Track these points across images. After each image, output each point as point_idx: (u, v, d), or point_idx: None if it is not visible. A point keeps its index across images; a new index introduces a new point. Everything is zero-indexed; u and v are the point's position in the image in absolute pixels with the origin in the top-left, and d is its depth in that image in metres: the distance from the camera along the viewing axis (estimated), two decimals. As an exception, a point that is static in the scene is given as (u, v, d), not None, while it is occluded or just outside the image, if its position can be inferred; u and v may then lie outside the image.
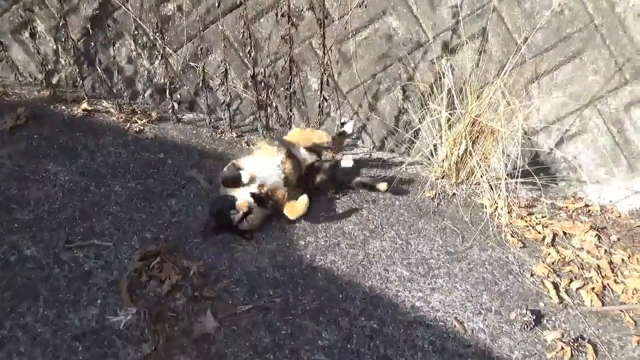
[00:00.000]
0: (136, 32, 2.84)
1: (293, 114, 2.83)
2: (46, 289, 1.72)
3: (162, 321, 1.68)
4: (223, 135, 2.81)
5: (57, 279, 1.76)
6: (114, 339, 1.59)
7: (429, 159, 2.77)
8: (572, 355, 1.80)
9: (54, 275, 1.77)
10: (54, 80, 3.02)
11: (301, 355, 1.66)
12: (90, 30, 2.85)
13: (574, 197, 2.75)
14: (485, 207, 2.52)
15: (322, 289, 1.93)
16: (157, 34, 2.68)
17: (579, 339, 1.85)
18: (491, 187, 2.51)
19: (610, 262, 2.25)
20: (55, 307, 1.66)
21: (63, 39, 2.85)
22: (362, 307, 1.88)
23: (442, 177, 2.73)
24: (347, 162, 2.48)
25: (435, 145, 2.72)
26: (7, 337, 1.54)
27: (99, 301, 1.71)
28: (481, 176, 2.52)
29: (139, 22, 2.81)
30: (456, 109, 2.54)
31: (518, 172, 2.48)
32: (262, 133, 2.88)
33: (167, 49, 2.84)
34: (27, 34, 2.85)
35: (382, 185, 2.49)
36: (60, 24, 2.69)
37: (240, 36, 2.60)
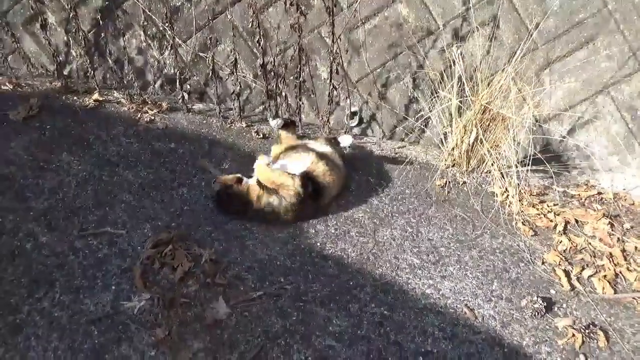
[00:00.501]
0: (146, 23, 2.85)
1: (302, 103, 2.83)
2: (62, 275, 1.75)
3: (175, 307, 1.70)
4: (233, 125, 2.82)
5: (72, 266, 1.79)
6: (128, 324, 1.62)
7: (439, 147, 2.76)
8: (583, 341, 1.79)
9: (69, 262, 1.80)
10: (66, 72, 3.05)
11: (312, 341, 1.68)
12: (100, 22, 2.88)
13: (586, 185, 2.73)
14: (496, 195, 2.50)
15: (332, 277, 1.94)
16: (167, 25, 2.68)
17: (591, 325, 1.85)
18: (502, 175, 2.50)
19: (623, 250, 2.23)
20: (71, 293, 1.69)
21: (74, 31, 2.87)
22: (373, 294, 1.89)
23: (453, 166, 2.71)
24: (346, 140, 2.53)
25: (445, 134, 2.70)
26: (25, 321, 1.57)
27: (113, 287, 1.74)
28: (492, 164, 2.51)
29: (148, 12, 2.82)
30: (467, 96, 2.52)
31: (529, 160, 2.46)
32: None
33: (177, 39, 2.85)
34: (38, 26, 2.87)
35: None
36: (71, 16, 2.71)
37: (250, 25, 2.59)
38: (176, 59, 2.79)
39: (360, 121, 3.01)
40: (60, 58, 3.01)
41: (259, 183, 2.13)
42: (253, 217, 2.12)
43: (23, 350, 1.49)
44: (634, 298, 2.00)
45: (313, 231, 2.16)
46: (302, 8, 2.50)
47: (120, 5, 2.91)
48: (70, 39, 3.02)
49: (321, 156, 2.26)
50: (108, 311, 1.65)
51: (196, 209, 2.16)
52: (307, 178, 2.14)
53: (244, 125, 2.83)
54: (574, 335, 1.80)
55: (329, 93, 2.69)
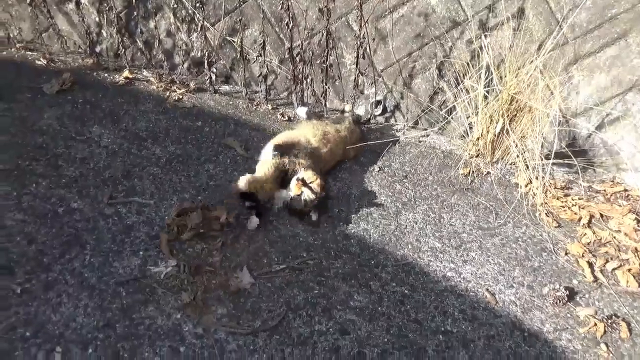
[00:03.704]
0: (176, 6, 2.90)
1: (328, 87, 2.85)
2: (92, 239, 1.79)
3: (201, 274, 1.74)
4: (259, 107, 2.86)
5: (101, 231, 1.84)
6: (155, 287, 1.66)
7: (463, 137, 2.75)
8: (605, 331, 1.78)
9: (99, 228, 1.85)
10: (97, 50, 3.11)
11: (333, 313, 1.70)
12: (132, 2, 2.93)
13: (612, 181, 2.69)
14: (520, 186, 2.49)
15: (354, 255, 1.96)
16: (197, 8, 2.72)
17: (613, 316, 1.83)
18: (527, 167, 2.48)
19: (649, 246, 2.20)
20: (101, 256, 1.73)
21: (105, 11, 2.94)
22: (394, 273, 1.90)
23: (477, 156, 2.71)
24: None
25: (470, 125, 2.70)
26: (57, 279, 1.62)
27: (140, 253, 1.78)
28: (517, 156, 2.49)
29: (180, -5, 2.86)
30: (494, 87, 2.51)
31: (552, 153, 2.44)
32: (297, 106, 2.91)
33: (205, 22, 2.90)
34: (71, 6, 2.94)
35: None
36: (105, -6, 2.77)
37: (279, 9, 2.62)
38: (204, 42, 2.83)
39: (384, 110, 3.02)
40: (92, 37, 3.08)
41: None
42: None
43: (55, 305, 1.53)
44: (658, 292, 1.97)
45: (336, 210, 2.18)
46: (332, -8, 2.51)
47: (153, -14, 2.97)
48: (102, 18, 3.08)
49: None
50: (136, 275, 1.69)
51: (222, 184, 2.19)
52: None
53: (270, 107, 2.86)
54: (595, 324, 1.79)
55: (355, 78, 2.70)
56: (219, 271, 1.77)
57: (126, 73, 2.84)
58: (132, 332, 1.51)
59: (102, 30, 3.13)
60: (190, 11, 2.94)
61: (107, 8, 2.85)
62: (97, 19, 3.10)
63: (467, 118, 2.67)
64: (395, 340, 1.65)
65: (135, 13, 2.98)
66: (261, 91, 2.87)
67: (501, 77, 2.51)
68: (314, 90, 2.94)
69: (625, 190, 2.60)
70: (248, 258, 1.85)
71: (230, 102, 2.85)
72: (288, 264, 1.85)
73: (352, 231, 2.07)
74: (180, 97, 2.77)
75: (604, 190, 2.58)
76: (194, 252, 1.82)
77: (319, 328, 1.64)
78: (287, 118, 2.80)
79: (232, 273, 1.77)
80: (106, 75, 2.84)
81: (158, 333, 1.52)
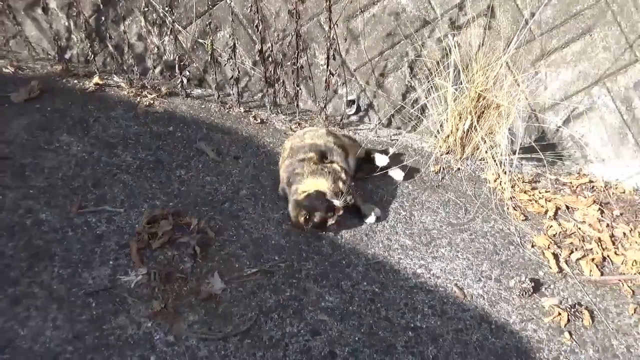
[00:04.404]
0: (146, 9, 2.88)
1: (300, 89, 2.87)
2: (60, 250, 1.79)
3: (172, 281, 1.75)
4: (231, 110, 2.86)
5: (70, 242, 1.83)
6: (126, 297, 1.66)
7: (435, 135, 2.79)
8: (568, 320, 1.84)
9: (67, 238, 1.84)
10: (67, 56, 3.08)
11: (305, 315, 1.72)
12: (101, 7, 2.90)
13: (578, 173, 2.77)
14: (489, 181, 2.54)
15: (325, 256, 1.98)
16: (167, 11, 2.71)
17: (576, 305, 1.89)
18: (495, 162, 2.53)
19: (612, 235, 2.27)
20: (70, 267, 1.73)
21: (74, 16, 2.90)
22: (365, 272, 1.93)
23: (447, 153, 2.75)
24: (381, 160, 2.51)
25: (441, 123, 2.74)
26: (25, 292, 1.61)
27: (110, 262, 1.78)
28: (486, 152, 2.55)
29: (149, -2, 2.84)
30: (462, 84, 2.55)
31: (520, 148, 2.50)
32: (270, 108, 2.93)
33: (177, 25, 2.88)
34: (39, 11, 2.89)
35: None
36: (72, 0, 2.74)
37: (249, 11, 2.62)
38: (176, 45, 2.82)
39: (358, 109, 3.04)
40: (61, 43, 3.04)
41: None
42: None
43: (23, 319, 1.53)
44: (620, 280, 2.04)
45: (308, 213, 2.20)
46: (301, -5, 2.53)
47: (121, -10, 2.94)
48: (71, 23, 3.04)
49: None
50: (106, 285, 1.70)
51: (193, 190, 2.20)
52: None
53: (242, 110, 2.87)
54: (559, 314, 1.85)
55: (326, 79, 2.72)
56: (191, 278, 1.78)
57: (96, 79, 2.82)
58: (102, 343, 1.52)
59: (72, 36, 3.10)
60: (161, 14, 2.92)
61: (76, 12, 2.82)
62: (66, 24, 3.06)
63: (438, 116, 2.71)
64: (366, 338, 1.69)
65: (104, 17, 2.95)
66: (233, 94, 2.88)
67: (467, 75, 2.56)
68: (286, 91, 2.95)
69: (591, 181, 2.67)
70: (219, 263, 1.86)
71: (203, 106, 2.85)
72: (260, 268, 1.87)
73: (324, 232, 2.10)
74: (152, 102, 2.76)
75: (570, 183, 2.64)
76: (165, 259, 1.83)
77: (290, 330, 1.67)
78: (259, 121, 2.81)
79: (203, 279, 1.78)
80: (76, 81, 2.81)
81: (128, 343, 1.53)
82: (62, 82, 2.78)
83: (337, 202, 1.98)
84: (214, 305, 1.71)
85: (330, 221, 2.00)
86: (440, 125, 2.74)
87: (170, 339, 1.57)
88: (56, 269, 1.72)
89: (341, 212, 2.00)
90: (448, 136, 2.69)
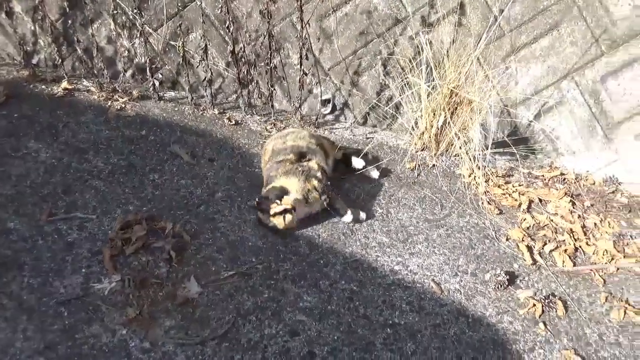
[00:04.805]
0: (115, 12, 2.82)
1: (275, 90, 2.85)
2: (30, 259, 1.74)
3: (147, 287, 1.72)
4: (205, 112, 2.83)
5: (41, 250, 1.78)
6: (99, 305, 1.63)
7: (410, 133, 2.82)
8: (543, 311, 1.87)
9: (37, 247, 1.80)
10: (34, 61, 3.00)
11: (283, 316, 1.71)
12: (68, 10, 2.84)
13: (550, 166, 2.83)
14: (464, 176, 2.58)
15: (303, 256, 1.98)
16: (136, 13, 2.67)
17: (550, 296, 1.93)
18: (469, 158, 2.57)
19: (583, 226, 2.33)
20: (40, 276, 1.69)
21: (40, 19, 2.83)
22: (342, 271, 1.93)
23: (423, 150, 2.78)
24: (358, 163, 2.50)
25: (416, 120, 2.76)
26: (-7, 304, 1.57)
27: (83, 270, 1.74)
28: (460, 147, 2.58)
29: (117, 1, 2.79)
30: (434, 81, 2.58)
31: (493, 143, 2.54)
32: (244, 110, 2.91)
33: (147, 28, 2.84)
34: (3, 15, 2.81)
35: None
36: (37, 3, 2.67)
37: (220, 12, 2.60)
38: (146, 47, 2.77)
39: (334, 108, 3.05)
40: (28, 47, 2.96)
41: None
42: None
43: (-9, 332, 1.49)
44: (591, 270, 2.09)
45: (285, 213, 2.19)
46: (272, -6, 2.52)
47: (88, -7, 2.88)
48: (37, 27, 2.97)
49: None
50: (78, 293, 1.66)
51: (168, 193, 2.17)
52: None
53: (217, 112, 2.84)
54: (534, 305, 1.88)
55: (300, 79, 2.72)
56: (166, 283, 1.76)
57: (65, 84, 2.75)
58: (75, 353, 1.48)
59: (39, 40, 3.02)
60: (130, 17, 2.87)
61: (42, 16, 2.74)
62: (32, 28, 2.98)
63: (412, 113, 2.74)
64: (345, 337, 1.69)
65: (71, 21, 2.89)
66: (207, 96, 2.85)
67: (440, 73, 2.58)
68: (261, 92, 2.93)
69: (562, 174, 2.73)
70: (196, 267, 1.84)
71: (176, 109, 2.81)
72: (237, 270, 1.86)
73: (301, 232, 2.09)
74: (123, 106, 2.71)
75: (543, 176, 2.70)
76: (140, 265, 1.80)
77: (269, 332, 1.66)
78: (234, 122, 2.78)
79: (179, 283, 1.76)
80: (44, 87, 2.74)
81: (103, 351, 1.50)
82: (29, 87, 2.71)
83: (286, 200, 1.98)
84: (191, 309, 1.68)
85: (287, 219, 1.99)
86: (415, 122, 2.76)
87: (146, 346, 1.54)
88: (26, 278, 1.67)
89: (293, 211, 1.99)
90: (423, 133, 2.71)
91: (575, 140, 2.85)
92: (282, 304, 1.76)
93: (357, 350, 1.65)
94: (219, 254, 1.92)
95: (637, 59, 2.65)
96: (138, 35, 2.85)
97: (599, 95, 2.78)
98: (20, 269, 1.70)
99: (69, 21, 2.87)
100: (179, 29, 2.69)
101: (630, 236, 2.31)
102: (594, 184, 2.70)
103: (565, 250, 2.16)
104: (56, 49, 2.82)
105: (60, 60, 2.83)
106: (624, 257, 2.18)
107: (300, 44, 2.59)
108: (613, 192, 2.63)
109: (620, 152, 2.78)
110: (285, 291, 1.81)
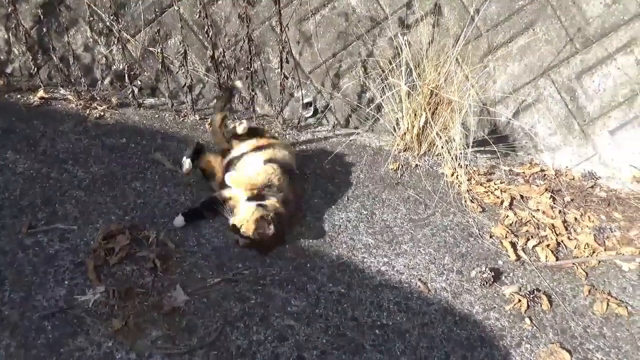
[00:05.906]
0: (91, 18, 2.79)
1: (256, 94, 2.85)
2: (11, 273, 1.70)
3: (132, 297, 1.69)
4: (186, 118, 2.81)
5: (21, 264, 1.75)
6: (84, 317, 1.60)
7: (392, 133, 2.84)
8: (528, 306, 1.90)
9: (18, 260, 1.76)
10: (8, 70, 2.94)
11: (271, 321, 1.71)
12: (43, 17, 2.78)
13: (530, 163, 2.87)
14: (446, 175, 2.60)
15: (290, 260, 1.97)
16: (113, 20, 2.63)
17: (535, 291, 1.96)
18: (451, 157, 2.60)
19: (564, 221, 2.37)
20: (22, 290, 1.65)
21: (14, 27, 2.77)
22: (330, 274, 1.93)
23: (405, 150, 2.80)
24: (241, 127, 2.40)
25: (397, 121, 2.78)
26: (-28, 321, 1.53)
27: (66, 282, 1.71)
28: (442, 147, 2.60)
29: (94, 7, 2.76)
30: (414, 82, 2.60)
31: (474, 141, 2.57)
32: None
33: (125, 34, 2.80)
34: (-25, 24, 2.75)
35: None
36: (10, 11, 2.61)
37: (198, 17, 2.58)
38: (124, 54, 2.74)
39: (316, 111, 3.05)
40: (1, 56, 2.90)
41: None
42: None
43: (-29, 350, 1.45)
44: (574, 264, 2.14)
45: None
46: (251, -1, 2.51)
47: (63, 0, 2.83)
48: (10, 36, 2.90)
49: None
50: (62, 306, 1.63)
51: (150, 202, 2.14)
52: None
53: (198, 118, 2.82)
54: (519, 300, 1.91)
55: (281, 83, 2.71)
56: (152, 292, 1.73)
57: (41, 93, 2.70)
58: (59, 367, 1.45)
59: (13, 49, 2.96)
60: (107, 23, 2.83)
61: (15, 24, 2.69)
62: (5, 36, 2.92)
63: (394, 114, 2.75)
64: (334, 340, 1.69)
65: (46, 28, 2.83)
66: (187, 102, 2.82)
67: (419, 73, 2.61)
68: (242, 97, 2.92)
69: (542, 170, 2.78)
70: (181, 275, 1.82)
71: (156, 116, 2.78)
72: (223, 277, 1.84)
73: (287, 236, 2.08)
74: (102, 114, 2.67)
75: (523, 173, 2.75)
76: (124, 275, 1.78)
77: (258, 338, 1.65)
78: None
79: (165, 293, 1.74)
80: (19, 96, 2.69)
81: (88, 364, 1.47)
82: (4, 97, 2.65)
83: None
84: (178, 318, 1.67)
85: None
86: (397, 123, 2.78)
87: (132, 357, 1.52)
88: (7, 293, 1.64)
89: None
90: (405, 133, 2.73)
91: (554, 136, 2.90)
92: (270, 309, 1.75)
93: (347, 352, 1.65)
94: (205, 261, 1.90)
95: (610, 56, 2.71)
96: (115, 42, 2.82)
97: (575, 92, 2.84)
98: (0, 284, 1.65)
99: (44, 29, 2.82)
100: (157, 34, 2.66)
101: (610, 229, 2.36)
102: (573, 179, 2.76)
103: (548, 245, 2.20)
104: (31, 57, 2.77)
105: (35, 69, 2.78)
106: (605, 250, 2.23)
107: (280, 47, 2.59)
108: (592, 186, 2.69)
109: (597, 147, 2.85)
110: (273, 296, 1.81)
